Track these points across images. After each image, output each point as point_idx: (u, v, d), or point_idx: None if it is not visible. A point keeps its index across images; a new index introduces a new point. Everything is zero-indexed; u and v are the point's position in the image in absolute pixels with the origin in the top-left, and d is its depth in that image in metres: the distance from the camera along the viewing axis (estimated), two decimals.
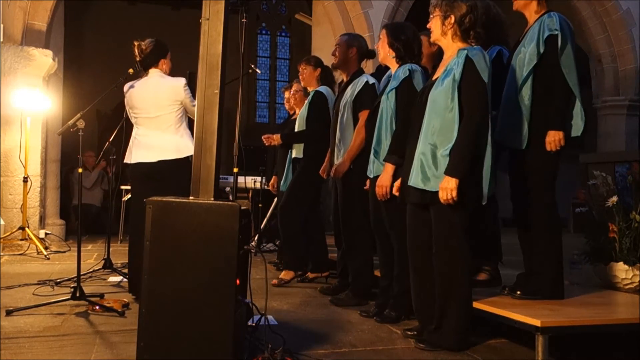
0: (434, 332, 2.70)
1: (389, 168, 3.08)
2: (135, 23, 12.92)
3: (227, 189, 6.54)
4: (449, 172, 2.57)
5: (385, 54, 3.31)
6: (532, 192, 2.92)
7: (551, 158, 2.86)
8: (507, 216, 3.09)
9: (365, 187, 3.48)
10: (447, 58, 2.76)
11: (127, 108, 3.91)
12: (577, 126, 2.86)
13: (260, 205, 6.55)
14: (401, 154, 2.97)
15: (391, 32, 3.28)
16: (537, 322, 2.43)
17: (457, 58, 2.66)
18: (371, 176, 3.33)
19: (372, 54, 3.95)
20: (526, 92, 2.87)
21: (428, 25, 2.83)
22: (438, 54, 3.15)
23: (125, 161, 3.87)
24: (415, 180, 2.69)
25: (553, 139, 2.80)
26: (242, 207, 2.21)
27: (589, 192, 3.60)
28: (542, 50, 2.85)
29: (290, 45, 15.87)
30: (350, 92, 3.77)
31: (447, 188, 2.55)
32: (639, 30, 9.28)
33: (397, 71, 3.24)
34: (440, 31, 2.75)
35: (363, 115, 3.63)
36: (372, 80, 3.78)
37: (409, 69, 3.18)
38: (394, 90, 3.17)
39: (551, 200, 2.90)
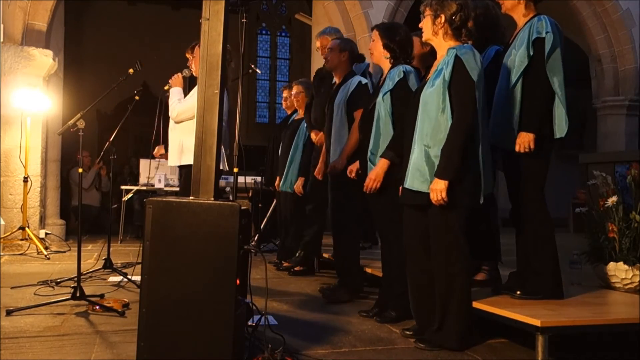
0: (435, 333, 2.70)
1: (384, 163, 3.09)
2: (135, 23, 12.99)
3: (227, 189, 6.54)
4: (438, 174, 2.57)
5: (379, 54, 3.30)
6: (522, 193, 2.94)
7: (539, 159, 2.87)
8: (507, 216, 3.09)
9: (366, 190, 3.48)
10: (439, 57, 2.76)
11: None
12: (561, 128, 2.88)
13: (260, 205, 6.55)
14: (398, 153, 2.99)
15: (385, 33, 3.28)
16: (537, 322, 2.43)
17: (446, 57, 2.66)
18: None
19: (361, 58, 4.06)
20: (516, 95, 2.89)
21: (420, 25, 2.82)
22: (429, 55, 3.14)
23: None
24: (410, 182, 2.69)
25: (522, 140, 2.81)
26: (242, 207, 2.21)
27: (589, 192, 3.59)
28: (532, 53, 2.86)
29: (290, 45, 15.87)
30: (343, 93, 3.85)
31: (436, 190, 2.56)
32: (639, 30, 9.27)
33: (391, 72, 3.24)
34: (432, 31, 2.75)
35: (358, 114, 3.68)
36: (364, 81, 3.88)
37: (403, 71, 3.18)
38: (389, 93, 3.17)
39: (540, 200, 2.91)
